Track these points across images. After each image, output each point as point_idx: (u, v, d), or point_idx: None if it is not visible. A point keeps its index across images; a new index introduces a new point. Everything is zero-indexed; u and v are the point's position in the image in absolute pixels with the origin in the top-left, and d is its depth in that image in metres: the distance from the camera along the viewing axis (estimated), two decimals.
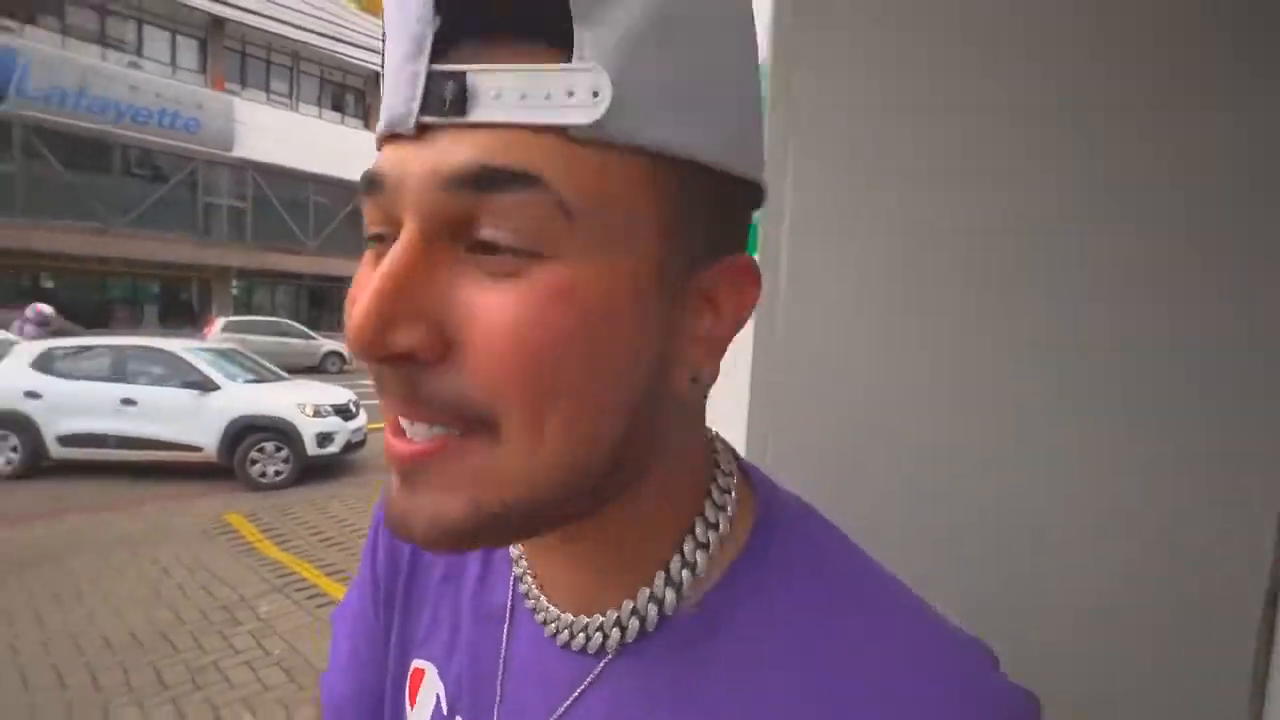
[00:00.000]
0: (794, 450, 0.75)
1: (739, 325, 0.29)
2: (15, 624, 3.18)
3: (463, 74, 0.23)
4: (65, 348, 5.95)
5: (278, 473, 5.75)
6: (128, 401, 5.64)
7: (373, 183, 0.26)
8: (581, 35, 0.23)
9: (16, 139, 16.37)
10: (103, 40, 18.17)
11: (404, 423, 0.26)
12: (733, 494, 0.33)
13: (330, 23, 20.76)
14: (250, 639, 3.14)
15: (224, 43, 19.68)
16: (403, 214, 0.25)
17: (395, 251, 0.24)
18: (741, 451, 0.79)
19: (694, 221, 0.27)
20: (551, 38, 0.23)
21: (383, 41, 0.26)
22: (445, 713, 0.38)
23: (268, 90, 21.08)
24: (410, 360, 0.24)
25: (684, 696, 0.29)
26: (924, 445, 0.67)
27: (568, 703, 0.32)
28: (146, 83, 17.86)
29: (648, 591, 0.31)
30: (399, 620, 0.42)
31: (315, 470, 5.98)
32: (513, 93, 0.23)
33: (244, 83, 20.53)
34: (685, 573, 0.31)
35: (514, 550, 0.38)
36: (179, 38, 19.26)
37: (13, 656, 2.90)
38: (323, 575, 3.86)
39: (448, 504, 0.26)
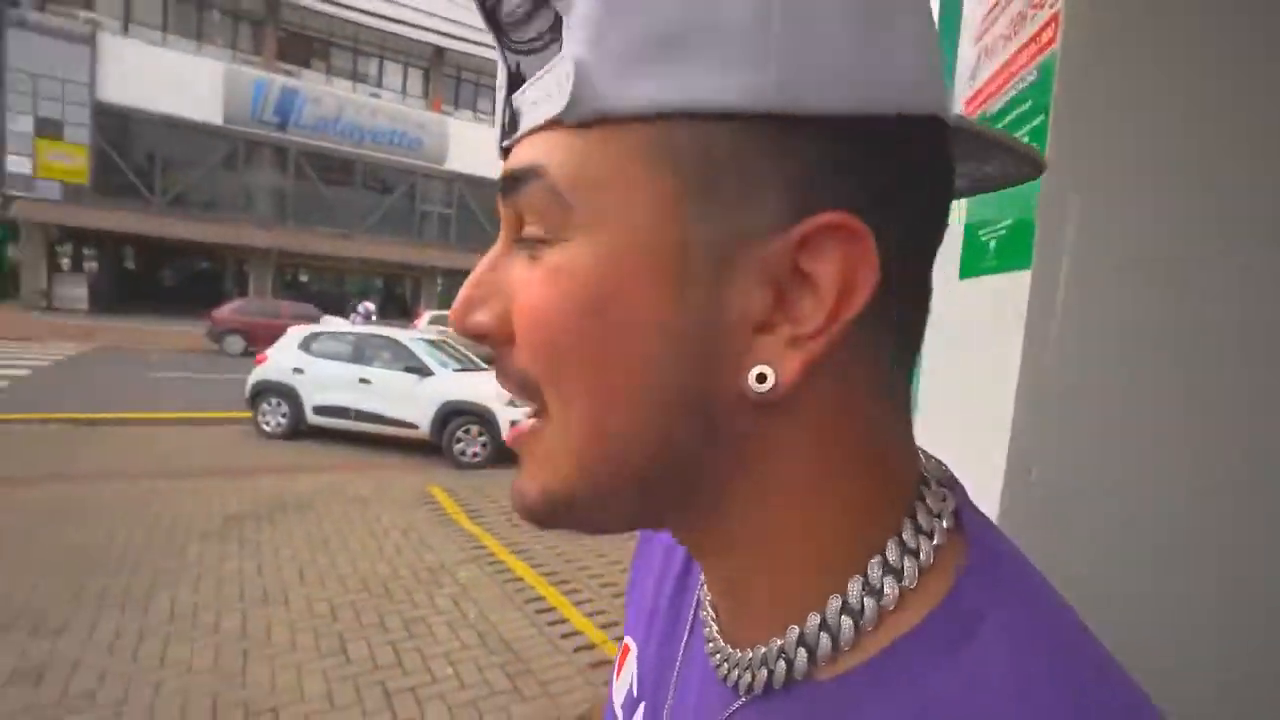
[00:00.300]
0: (1060, 475, 0.68)
1: (846, 308, 0.22)
2: (280, 555, 3.92)
3: (513, 98, 0.26)
4: (322, 332, 7.21)
5: (476, 454, 6.36)
6: (364, 381, 6.60)
7: None
8: (565, 26, 0.22)
9: (290, 161, 20.25)
10: (354, 76, 21.82)
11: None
12: (924, 556, 0.25)
13: None
14: (450, 602, 3.53)
15: (443, 70, 22.57)
16: None
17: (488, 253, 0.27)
18: (998, 473, 0.72)
19: (744, 182, 0.22)
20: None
21: None
22: (635, 696, 0.37)
23: (475, 109, 23.73)
24: (489, 339, 0.27)
25: None
26: (1208, 476, 0.58)
27: None
28: (383, 108, 21.09)
29: (779, 644, 0.26)
30: (629, 590, 0.44)
31: (510, 454, 6.61)
32: (532, 102, 0.24)
33: (456, 104, 23.38)
34: (825, 636, 0.24)
35: (704, 576, 0.34)
36: (409, 69, 22.54)
37: (279, 582, 3.58)
38: (509, 552, 4.24)
39: (528, 484, 0.27)
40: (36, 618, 2.84)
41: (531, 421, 0.27)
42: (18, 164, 16.63)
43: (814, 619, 0.25)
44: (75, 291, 18.30)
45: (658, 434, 0.24)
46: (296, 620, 3.19)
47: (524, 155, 0.24)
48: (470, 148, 21.77)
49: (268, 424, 6.88)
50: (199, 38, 19.82)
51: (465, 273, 0.28)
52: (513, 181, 0.25)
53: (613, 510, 0.27)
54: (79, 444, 5.90)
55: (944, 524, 0.25)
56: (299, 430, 6.91)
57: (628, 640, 0.41)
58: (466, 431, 6.37)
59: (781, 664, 0.25)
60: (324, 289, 22.39)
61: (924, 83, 0.23)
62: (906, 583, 0.24)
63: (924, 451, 0.29)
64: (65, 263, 19.00)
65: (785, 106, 0.21)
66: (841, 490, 0.25)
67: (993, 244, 0.85)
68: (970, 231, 0.91)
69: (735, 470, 0.25)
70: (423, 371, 6.60)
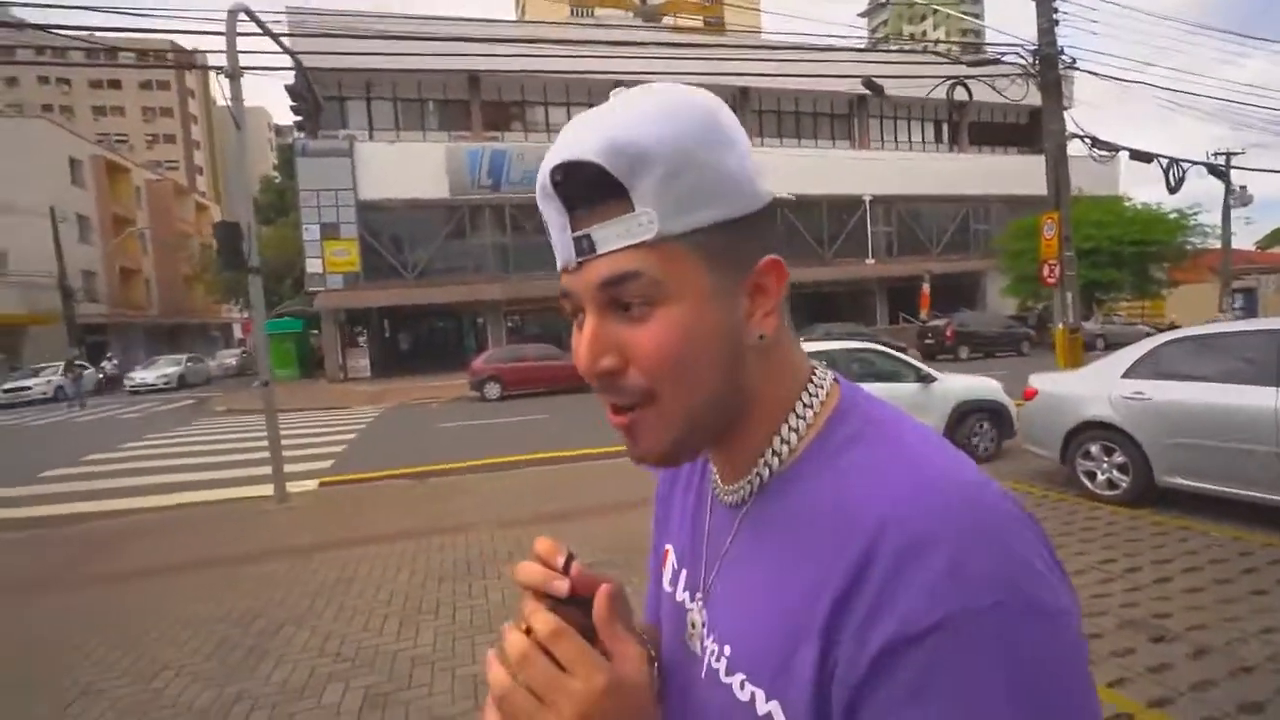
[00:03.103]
0: None
1: (780, 297, 0.47)
2: None
3: (589, 234, 0.43)
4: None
5: (985, 448, 6.61)
6: None
7: (564, 293, 0.46)
8: (635, 197, 0.42)
9: (506, 217, 22.24)
10: (547, 128, 23.46)
11: (610, 405, 0.47)
12: (814, 406, 0.49)
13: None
14: None
15: None
16: (584, 305, 0.45)
17: (588, 325, 0.45)
18: None
19: (726, 254, 0.44)
20: (617, 197, 0.42)
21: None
22: (676, 566, 0.59)
23: None
24: (613, 373, 0.45)
25: (774, 519, 0.48)
26: None
27: (731, 535, 0.51)
28: None
29: (755, 470, 0.49)
30: (662, 518, 0.66)
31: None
32: (613, 234, 0.42)
33: None
34: (779, 453, 0.48)
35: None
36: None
37: None
38: None
39: (651, 444, 0.47)
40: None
41: (634, 414, 0.46)
42: (313, 265, 20.41)
43: (768, 454, 0.49)
44: (361, 362, 21.86)
45: (720, 384, 0.46)
46: None
47: (618, 264, 0.42)
48: None
49: None
50: (423, 129, 22.80)
51: None
52: (620, 279, 0.43)
53: (694, 444, 0.48)
54: (424, 497, 6.43)
55: (831, 384, 0.51)
56: None
57: (668, 547, 0.62)
58: (981, 426, 6.61)
59: (766, 471, 0.49)
60: (545, 329, 24.18)
61: (766, 186, 0.46)
62: (808, 419, 0.49)
63: (811, 354, 0.55)
64: (355, 339, 22.72)
65: (738, 214, 0.44)
66: (778, 385, 0.49)
67: None
68: None
69: (754, 389, 0.48)
70: (928, 379, 6.68)
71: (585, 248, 0.43)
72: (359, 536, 5.09)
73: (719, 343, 0.44)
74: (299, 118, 10.53)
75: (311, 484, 7.31)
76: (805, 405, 0.49)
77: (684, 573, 0.57)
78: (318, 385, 20.56)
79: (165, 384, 23.10)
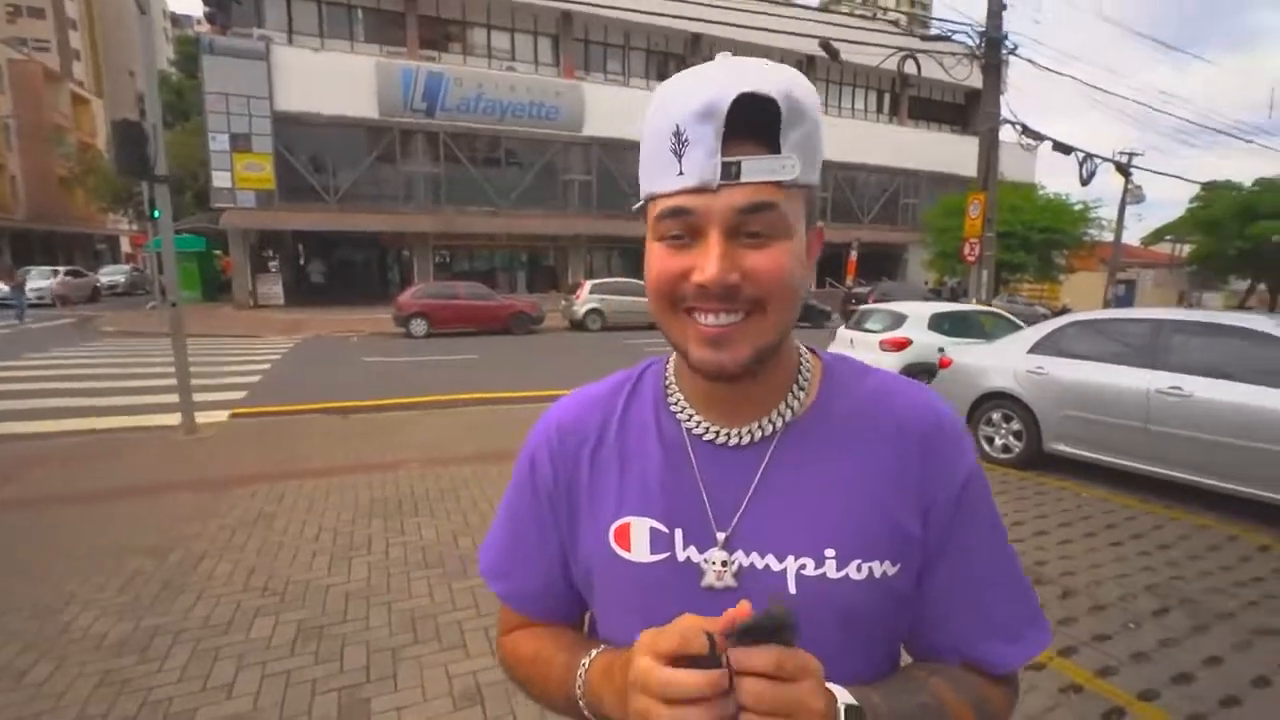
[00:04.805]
0: None
1: (814, 259, 0.59)
2: None
3: (739, 162, 0.50)
4: (945, 312, 7.84)
5: None
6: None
7: (683, 211, 0.52)
8: (783, 142, 0.50)
9: (440, 145, 20.95)
10: (489, 53, 22.02)
11: (709, 318, 0.53)
12: (808, 357, 0.66)
13: None
14: None
15: (572, 35, 22.14)
16: (707, 227, 0.52)
17: (715, 244, 0.51)
18: None
19: (809, 213, 0.56)
20: (764, 139, 0.50)
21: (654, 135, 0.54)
22: (667, 532, 0.61)
23: (605, 71, 23.16)
24: (735, 287, 0.52)
25: (828, 439, 0.61)
26: None
27: (760, 472, 0.60)
28: (519, 81, 21.06)
29: (783, 404, 0.62)
30: (585, 506, 0.65)
31: None
32: (760, 169, 0.51)
33: (587, 68, 22.90)
34: (799, 397, 0.62)
35: (682, 415, 0.64)
36: (539, 37, 22.31)
37: None
38: None
39: (745, 350, 0.54)
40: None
41: (739, 323, 0.53)
42: (221, 178, 18.57)
43: (791, 392, 0.62)
44: (274, 289, 20.41)
45: (794, 317, 0.56)
46: None
47: (761, 194, 0.51)
48: (605, 111, 21.31)
49: None
50: (351, 38, 20.85)
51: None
52: (758, 207, 0.51)
53: (765, 359, 0.56)
54: (348, 433, 6.21)
55: (801, 345, 0.67)
56: None
57: (623, 521, 0.62)
58: None
59: (789, 412, 0.61)
60: (473, 267, 23.29)
61: None
62: (809, 367, 0.65)
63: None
64: (267, 264, 21.09)
65: (816, 184, 0.56)
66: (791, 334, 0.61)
67: None
68: None
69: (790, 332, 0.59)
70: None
71: (733, 173, 0.50)
72: (279, 471, 4.89)
73: (803, 278, 0.55)
74: (208, 8, 9.28)
75: (222, 415, 6.89)
76: (803, 356, 0.65)
77: (679, 532, 0.60)
78: (224, 311, 19.09)
79: (38, 298, 20.71)
